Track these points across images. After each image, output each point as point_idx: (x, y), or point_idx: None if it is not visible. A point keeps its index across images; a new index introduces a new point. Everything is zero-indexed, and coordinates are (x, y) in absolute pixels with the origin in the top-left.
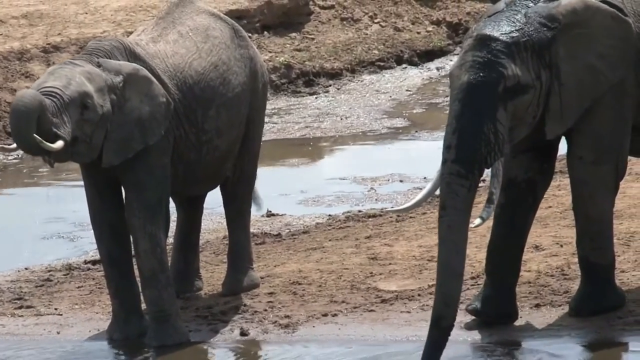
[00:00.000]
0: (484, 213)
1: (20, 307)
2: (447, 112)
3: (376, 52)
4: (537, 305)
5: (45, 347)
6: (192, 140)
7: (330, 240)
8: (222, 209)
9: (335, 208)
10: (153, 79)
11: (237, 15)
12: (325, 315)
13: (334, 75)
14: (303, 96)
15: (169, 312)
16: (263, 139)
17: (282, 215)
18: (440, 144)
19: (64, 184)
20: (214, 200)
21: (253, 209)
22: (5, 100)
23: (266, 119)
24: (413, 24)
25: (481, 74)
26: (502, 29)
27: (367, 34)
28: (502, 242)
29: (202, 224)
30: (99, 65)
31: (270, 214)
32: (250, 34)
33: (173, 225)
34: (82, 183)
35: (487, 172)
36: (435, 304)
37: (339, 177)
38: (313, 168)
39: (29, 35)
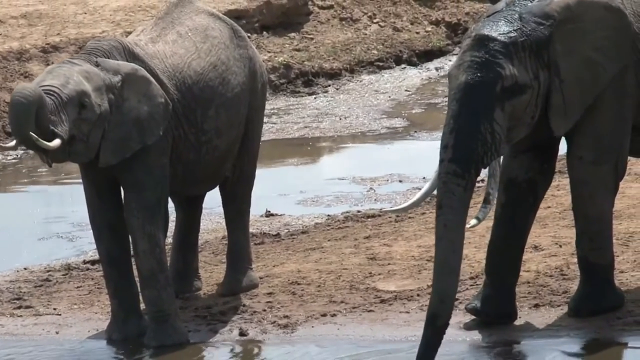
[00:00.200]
0: (480, 213)
1: (19, 307)
2: (446, 112)
3: (375, 52)
4: (536, 306)
5: (44, 347)
6: (191, 141)
7: (329, 241)
8: (221, 209)
9: (334, 208)
10: (151, 79)
11: (236, 15)
12: (324, 315)
13: (333, 75)
14: (302, 96)
15: (167, 312)
16: (262, 139)
17: (281, 215)
18: (439, 144)
19: (63, 184)
20: (213, 200)
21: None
22: (5, 101)
23: (265, 119)
24: (412, 24)
25: (479, 74)
26: (500, 29)
27: (366, 34)
28: (502, 242)
29: (201, 224)
30: (97, 65)
31: (269, 214)
32: (249, 34)
33: (172, 225)
34: (81, 183)
35: (485, 172)
36: (431, 301)
37: (338, 177)
38: (312, 168)
39: (28, 35)
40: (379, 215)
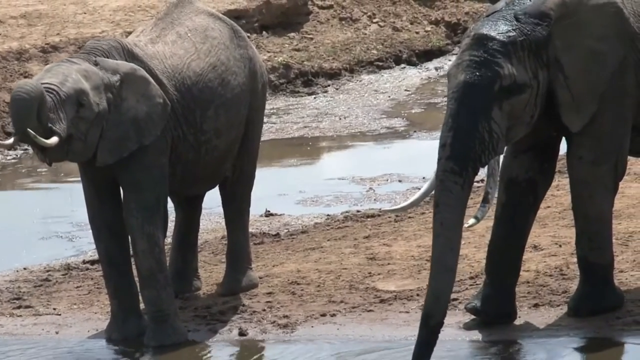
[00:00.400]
0: (479, 213)
1: (19, 307)
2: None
3: (375, 52)
4: (536, 305)
5: (43, 347)
6: (190, 141)
7: (328, 240)
8: (220, 209)
9: (334, 208)
10: (150, 79)
11: (235, 15)
12: (323, 315)
13: (333, 75)
14: (302, 96)
15: (167, 312)
16: (262, 139)
17: (280, 215)
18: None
19: (62, 184)
20: (212, 200)
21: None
22: (4, 100)
23: (265, 119)
24: (412, 23)
25: (477, 73)
26: (499, 29)
27: (365, 34)
28: (502, 241)
29: (201, 223)
30: (96, 64)
31: (268, 214)
32: (249, 34)
33: (171, 225)
34: (80, 183)
35: (485, 172)
36: (426, 299)
37: (338, 177)
38: (311, 168)
39: (27, 35)
40: (379, 215)
